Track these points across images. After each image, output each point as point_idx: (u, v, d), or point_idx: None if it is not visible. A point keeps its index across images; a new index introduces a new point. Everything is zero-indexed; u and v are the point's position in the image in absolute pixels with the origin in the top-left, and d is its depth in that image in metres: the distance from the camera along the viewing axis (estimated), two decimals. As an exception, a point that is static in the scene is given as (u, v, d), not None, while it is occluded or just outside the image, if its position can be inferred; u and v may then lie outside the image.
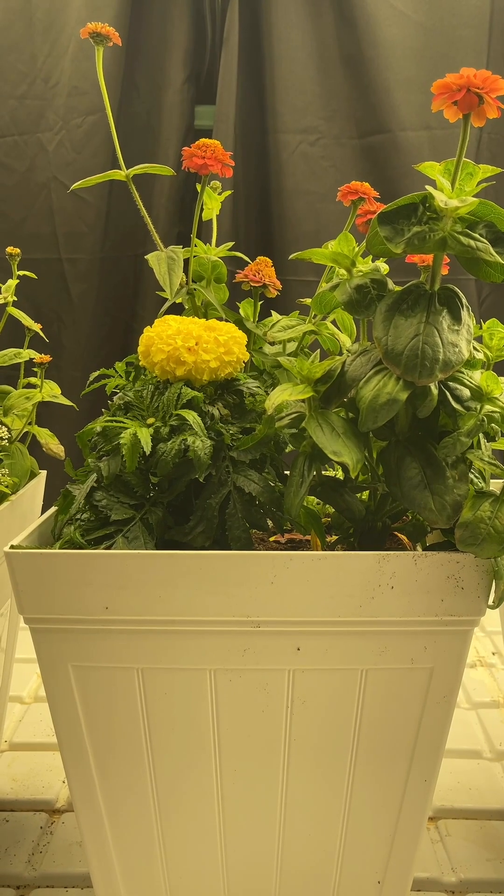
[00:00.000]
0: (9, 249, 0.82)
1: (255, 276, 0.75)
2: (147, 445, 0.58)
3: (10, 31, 1.36)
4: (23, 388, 0.86)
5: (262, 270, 0.75)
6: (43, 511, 0.88)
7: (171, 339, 0.62)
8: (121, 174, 0.74)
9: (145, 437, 0.58)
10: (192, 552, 0.56)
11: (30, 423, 0.84)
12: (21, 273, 0.84)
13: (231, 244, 0.79)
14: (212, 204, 0.81)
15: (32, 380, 0.88)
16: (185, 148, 0.70)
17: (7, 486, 0.73)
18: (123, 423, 0.62)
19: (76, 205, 1.39)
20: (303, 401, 0.58)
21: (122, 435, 0.59)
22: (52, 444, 0.87)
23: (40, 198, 1.40)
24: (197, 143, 0.69)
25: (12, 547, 0.58)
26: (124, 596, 0.56)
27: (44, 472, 0.88)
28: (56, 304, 1.42)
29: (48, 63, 1.37)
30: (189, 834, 0.63)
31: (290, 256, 0.64)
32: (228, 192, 0.84)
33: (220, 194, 0.83)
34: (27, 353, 0.84)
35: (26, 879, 0.76)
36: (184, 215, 1.43)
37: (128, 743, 0.61)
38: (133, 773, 0.61)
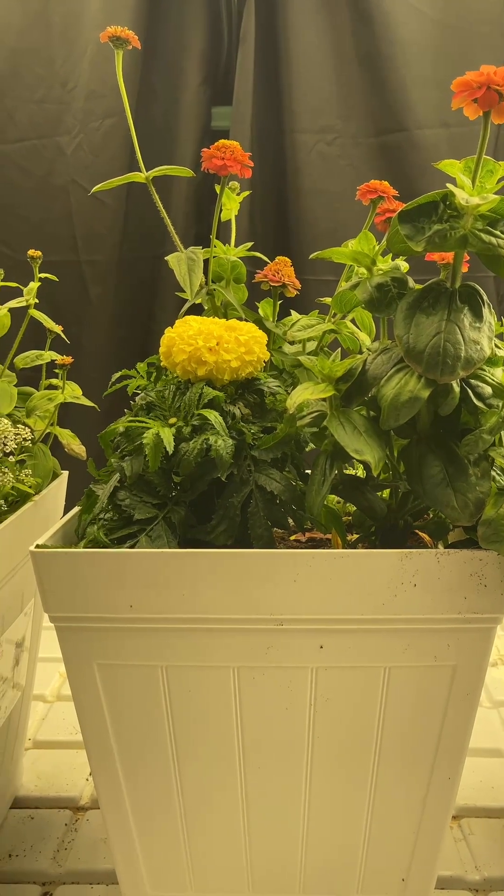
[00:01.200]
0: (30, 252, 0.83)
1: (274, 275, 0.75)
2: (170, 445, 0.58)
3: (28, 36, 1.37)
4: (44, 389, 0.87)
5: (282, 270, 0.76)
6: (65, 511, 0.89)
7: (192, 339, 0.63)
8: (140, 176, 0.74)
9: (168, 436, 0.59)
10: (215, 550, 0.57)
11: (51, 424, 0.85)
12: (42, 275, 0.84)
13: (250, 244, 0.79)
14: (231, 205, 0.81)
15: (53, 381, 0.88)
16: (205, 149, 0.70)
17: (31, 487, 0.74)
18: (146, 423, 0.62)
19: (95, 207, 1.40)
20: (324, 399, 0.58)
21: (145, 435, 0.59)
22: (74, 444, 0.88)
23: (59, 201, 1.41)
24: (216, 144, 0.70)
25: (38, 546, 0.58)
26: (149, 594, 0.57)
27: (65, 473, 0.89)
28: (75, 306, 1.43)
29: (66, 67, 1.38)
30: (213, 830, 0.64)
31: (311, 256, 0.65)
32: (247, 193, 0.84)
33: (238, 195, 0.83)
34: (48, 355, 0.85)
35: (52, 876, 0.77)
36: (201, 216, 1.44)
37: (152, 740, 0.61)
38: (158, 770, 0.62)
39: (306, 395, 0.55)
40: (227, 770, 0.62)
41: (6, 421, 0.68)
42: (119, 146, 1.38)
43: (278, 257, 0.77)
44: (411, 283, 0.58)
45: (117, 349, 1.46)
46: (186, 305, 0.74)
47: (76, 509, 0.69)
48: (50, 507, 0.83)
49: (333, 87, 1.36)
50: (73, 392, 0.83)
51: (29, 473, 0.76)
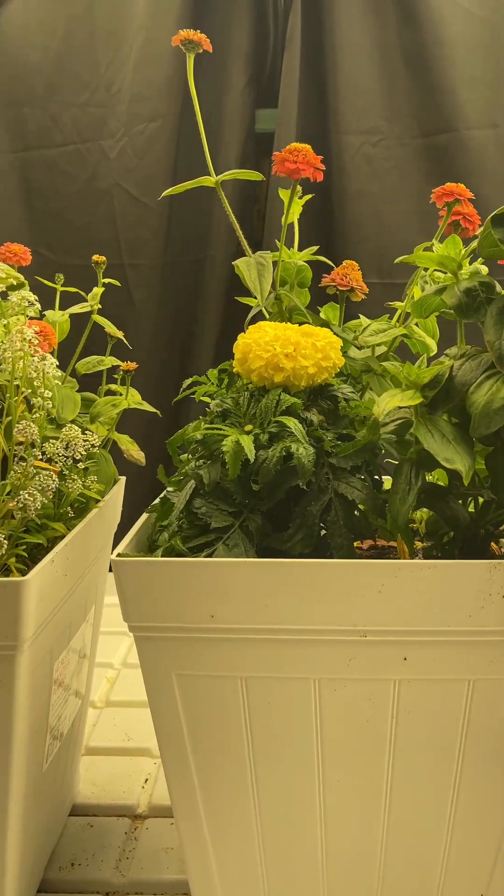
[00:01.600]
0: (95, 258, 0.83)
1: (342, 279, 0.74)
2: (251, 453, 0.57)
3: (72, 40, 1.37)
4: (104, 394, 0.87)
5: (350, 274, 0.75)
6: (122, 516, 0.89)
7: (269, 345, 0.62)
8: (210, 180, 0.74)
9: (248, 444, 0.58)
10: (299, 560, 0.56)
11: (111, 430, 0.84)
12: (106, 280, 0.84)
13: (316, 248, 0.78)
14: (295, 208, 0.80)
15: (112, 387, 0.88)
16: (276, 153, 0.70)
17: (97, 493, 0.74)
18: (223, 430, 0.61)
19: (139, 211, 1.40)
20: (408, 407, 0.57)
21: (224, 442, 0.59)
22: (133, 450, 0.88)
23: (103, 204, 1.41)
24: (288, 147, 0.69)
25: (119, 555, 0.58)
26: (230, 604, 0.56)
27: (123, 479, 0.89)
28: (118, 310, 1.42)
29: (110, 70, 1.38)
30: (289, 843, 0.63)
31: (396, 260, 0.64)
32: (309, 196, 0.83)
33: (301, 198, 0.82)
34: (109, 361, 0.85)
35: (115, 886, 0.76)
36: (243, 218, 1.43)
37: (230, 751, 0.60)
38: (235, 781, 0.61)
39: (395, 402, 0.54)
40: (306, 783, 0.61)
41: (77, 428, 0.68)
42: (163, 149, 1.38)
43: (346, 261, 0.76)
44: (499, 287, 0.57)
45: (160, 352, 1.46)
46: (255, 310, 0.74)
47: (144, 516, 0.68)
48: (110, 514, 0.83)
49: (379, 88, 1.35)
50: (134, 398, 0.83)
51: (94, 480, 0.75)
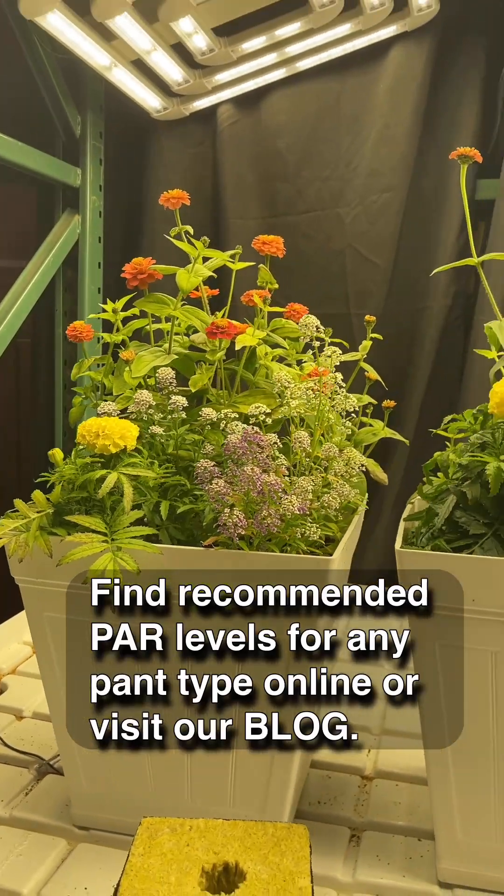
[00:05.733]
0: (367, 318, 1.04)
1: None
2: (510, 477, 0.74)
3: (321, 125, 1.62)
4: (358, 426, 1.07)
5: None
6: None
7: (523, 394, 0.79)
8: (473, 261, 0.91)
9: (507, 470, 0.75)
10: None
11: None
12: (374, 335, 1.04)
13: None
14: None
15: (364, 419, 1.08)
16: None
17: (361, 501, 0.93)
18: (482, 458, 0.79)
19: (367, 268, 1.61)
20: None
21: (487, 467, 0.76)
22: (378, 471, 1.07)
23: (336, 262, 1.63)
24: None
25: (402, 547, 0.76)
26: (488, 592, 0.73)
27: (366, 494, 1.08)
28: (345, 352, 1.63)
29: (350, 150, 1.61)
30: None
31: None
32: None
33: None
34: (366, 398, 1.05)
35: (357, 824, 0.94)
36: (458, 276, 1.60)
37: (478, 711, 0.76)
38: (479, 738, 0.77)
39: None
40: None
41: (355, 451, 0.88)
42: (393, 215, 1.58)
43: None
44: None
45: (376, 390, 1.65)
46: (495, 367, 0.90)
47: (402, 524, 0.86)
48: (361, 520, 1.02)
49: None
50: (387, 430, 1.02)
51: (357, 493, 0.95)
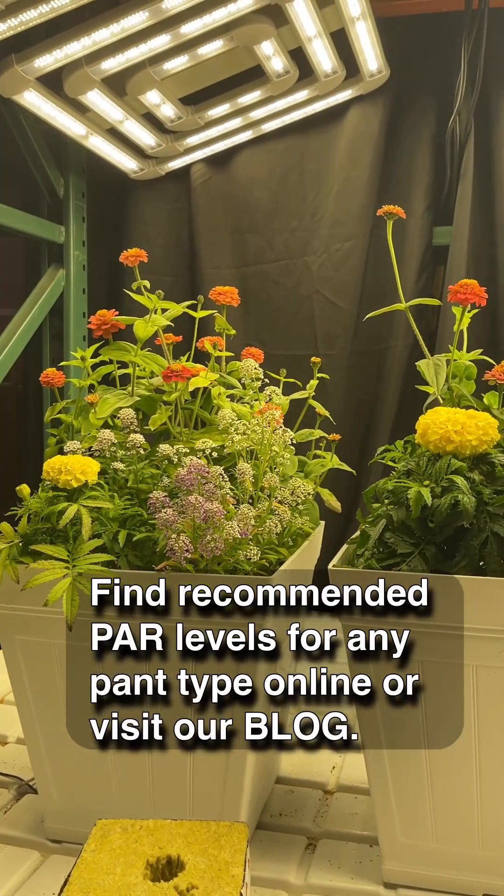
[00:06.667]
0: (313, 359, 1.13)
1: (500, 375, 0.98)
2: (429, 500, 0.82)
3: (287, 181, 1.74)
4: (311, 458, 1.15)
5: (507, 371, 0.98)
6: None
7: (442, 424, 0.87)
8: (402, 306, 1.00)
9: (427, 494, 0.83)
10: (483, 578, 0.79)
11: (317, 485, 1.12)
12: (320, 375, 1.13)
13: (481, 350, 1.03)
14: (464, 322, 1.05)
15: (317, 451, 1.16)
16: (451, 286, 0.96)
17: (311, 528, 1.01)
18: (407, 483, 0.87)
19: (333, 312, 1.71)
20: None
21: (409, 492, 0.84)
22: (332, 500, 1.15)
23: (304, 307, 1.74)
24: (460, 283, 0.95)
25: (334, 566, 0.84)
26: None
27: (323, 522, 1.16)
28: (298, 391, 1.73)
29: (315, 202, 1.72)
30: (455, 791, 0.84)
31: None
32: (476, 310, 1.08)
33: (469, 312, 1.07)
34: (317, 433, 1.13)
35: (314, 833, 0.99)
36: (422, 314, 1.70)
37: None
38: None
39: (534, 466, 0.76)
40: (463, 747, 0.82)
41: (301, 479, 0.96)
42: (356, 263, 1.69)
43: (504, 361, 1.00)
44: None
45: (347, 424, 1.74)
46: (431, 398, 0.99)
47: (345, 547, 0.94)
48: (315, 546, 1.09)
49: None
50: (336, 461, 1.10)
51: (307, 520, 1.02)
